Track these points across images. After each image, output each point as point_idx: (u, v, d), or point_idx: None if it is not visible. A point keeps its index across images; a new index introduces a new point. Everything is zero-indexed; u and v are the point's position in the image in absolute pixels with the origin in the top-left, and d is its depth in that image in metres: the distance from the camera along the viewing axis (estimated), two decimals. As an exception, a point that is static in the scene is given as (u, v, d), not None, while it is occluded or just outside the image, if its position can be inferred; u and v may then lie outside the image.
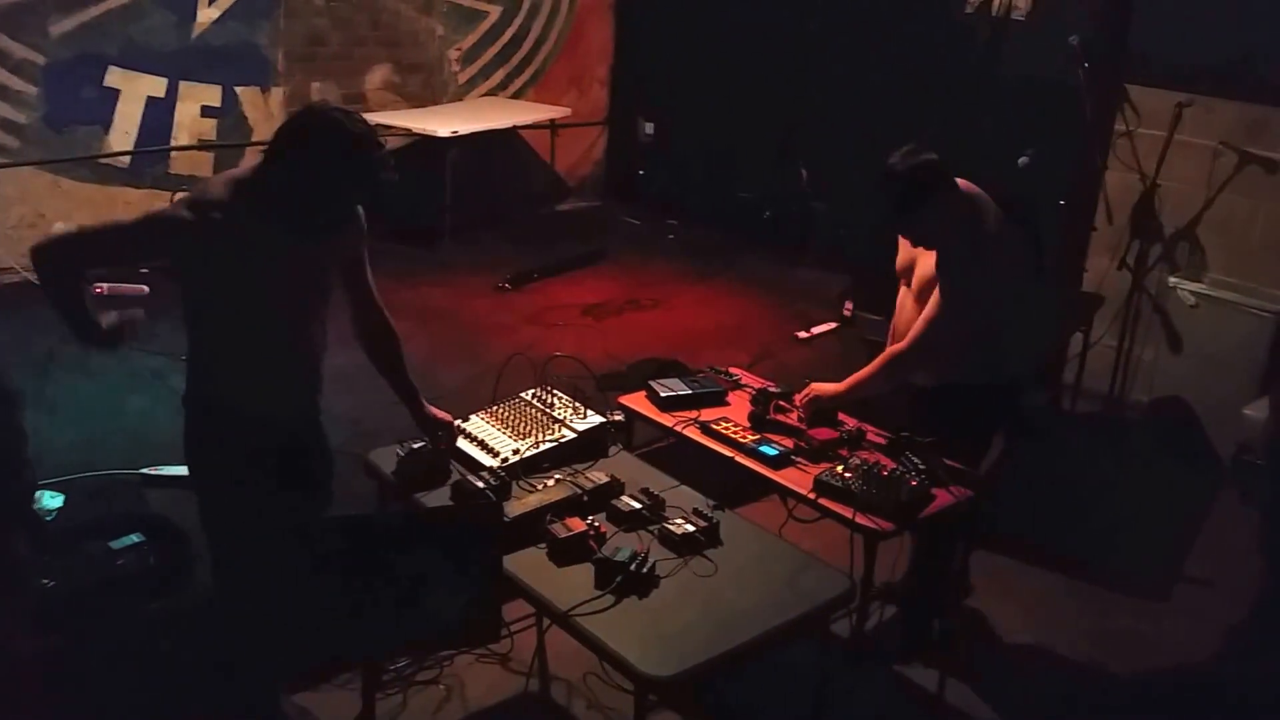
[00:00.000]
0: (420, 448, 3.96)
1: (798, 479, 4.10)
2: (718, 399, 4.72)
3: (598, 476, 3.86)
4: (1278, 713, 4.54)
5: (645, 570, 3.39)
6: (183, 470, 4.80)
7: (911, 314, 4.52)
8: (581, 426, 4.18)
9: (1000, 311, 4.40)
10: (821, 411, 4.48)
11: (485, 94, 9.47)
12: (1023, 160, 6.82)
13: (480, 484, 3.78)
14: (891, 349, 4.47)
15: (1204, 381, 6.63)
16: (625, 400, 4.77)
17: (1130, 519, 5.98)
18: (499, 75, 9.54)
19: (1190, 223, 6.83)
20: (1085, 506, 6.07)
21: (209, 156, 8.09)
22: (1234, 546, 5.58)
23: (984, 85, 7.58)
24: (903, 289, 4.65)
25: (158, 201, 7.73)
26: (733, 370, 5.04)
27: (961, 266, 4.30)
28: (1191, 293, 6.69)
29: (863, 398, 4.52)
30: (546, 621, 4.13)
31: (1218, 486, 6.27)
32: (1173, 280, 6.82)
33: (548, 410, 4.29)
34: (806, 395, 4.53)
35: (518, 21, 9.53)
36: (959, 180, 4.41)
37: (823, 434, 4.35)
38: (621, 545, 3.47)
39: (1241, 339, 6.39)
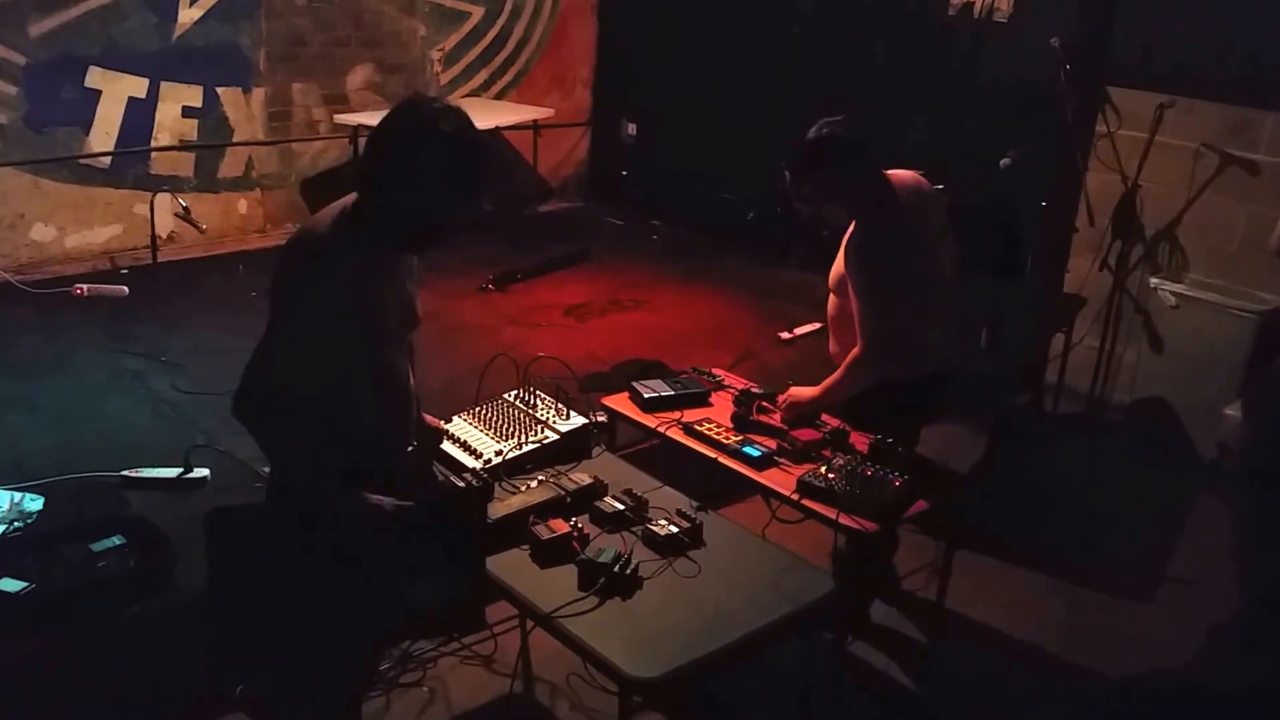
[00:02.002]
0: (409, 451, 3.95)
1: (781, 480, 4.10)
2: (701, 400, 4.72)
3: (581, 478, 3.85)
4: (1257, 711, 4.56)
5: (629, 571, 3.37)
6: (163, 472, 4.82)
7: (832, 309, 4.62)
8: (564, 428, 4.17)
9: (915, 302, 4.42)
10: (802, 415, 4.49)
11: (468, 95, 9.46)
12: (1004, 161, 6.83)
13: (462, 485, 3.76)
14: (851, 354, 4.47)
15: (1185, 382, 6.65)
16: (608, 401, 4.76)
17: (1111, 519, 6.01)
18: (481, 76, 9.54)
19: (1171, 223, 6.85)
20: (1067, 506, 6.09)
21: (190, 157, 8.08)
22: (1214, 546, 5.60)
23: (966, 87, 7.61)
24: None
25: (138, 202, 7.71)
26: (716, 371, 5.03)
27: (862, 254, 4.36)
28: (1172, 293, 6.71)
29: (836, 401, 4.53)
30: (530, 623, 4.13)
31: (1198, 486, 6.29)
32: (1154, 281, 6.84)
33: (530, 411, 4.28)
34: (786, 399, 4.54)
35: (500, 22, 9.53)
36: (896, 171, 4.51)
37: (806, 435, 4.35)
38: (605, 546, 3.46)
39: (1222, 339, 6.41)
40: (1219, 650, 4.90)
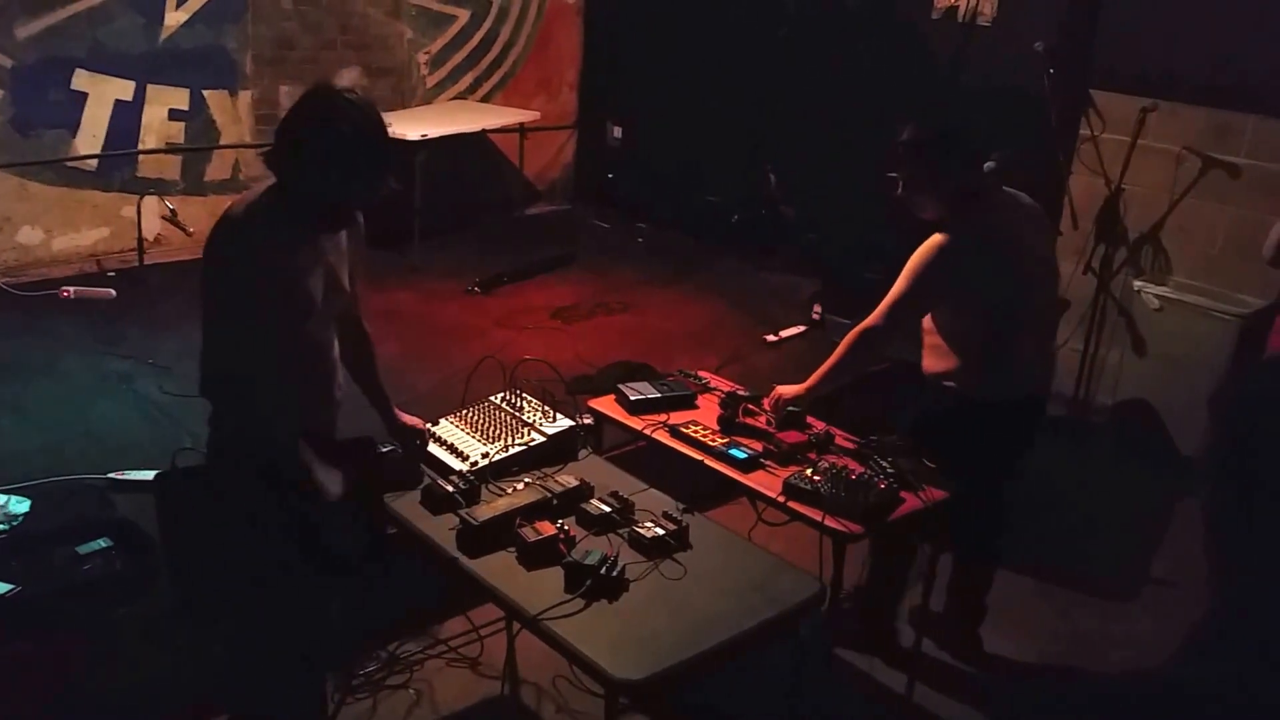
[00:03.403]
0: (389, 450, 3.96)
1: (767, 482, 4.11)
2: (687, 402, 4.73)
3: (567, 480, 3.87)
4: (1241, 711, 4.59)
5: (615, 574, 3.39)
6: (150, 475, 4.82)
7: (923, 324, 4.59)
8: (551, 430, 4.18)
9: (1007, 323, 4.41)
10: (791, 414, 4.50)
11: (454, 97, 9.47)
12: (989, 165, 6.83)
13: (449, 488, 3.78)
14: (860, 325, 4.45)
15: (1168, 384, 6.67)
16: (594, 403, 4.77)
17: (1095, 520, 6.03)
18: (468, 79, 9.54)
19: (1154, 227, 6.88)
20: (1051, 508, 6.10)
21: (177, 160, 8.07)
22: (1197, 548, 5.62)
23: (950, 90, 7.63)
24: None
25: (125, 205, 7.71)
26: (702, 374, 5.05)
27: (927, 254, 4.34)
28: (1156, 296, 6.74)
29: (832, 387, 4.53)
30: (516, 625, 4.15)
31: (1182, 488, 6.31)
32: (1137, 284, 6.87)
33: (517, 414, 4.29)
34: (773, 398, 4.56)
35: (486, 25, 9.53)
36: (1009, 189, 4.52)
37: (791, 437, 4.36)
38: (591, 549, 3.47)
39: (1205, 342, 6.44)
40: (1191, 649, 4.92)
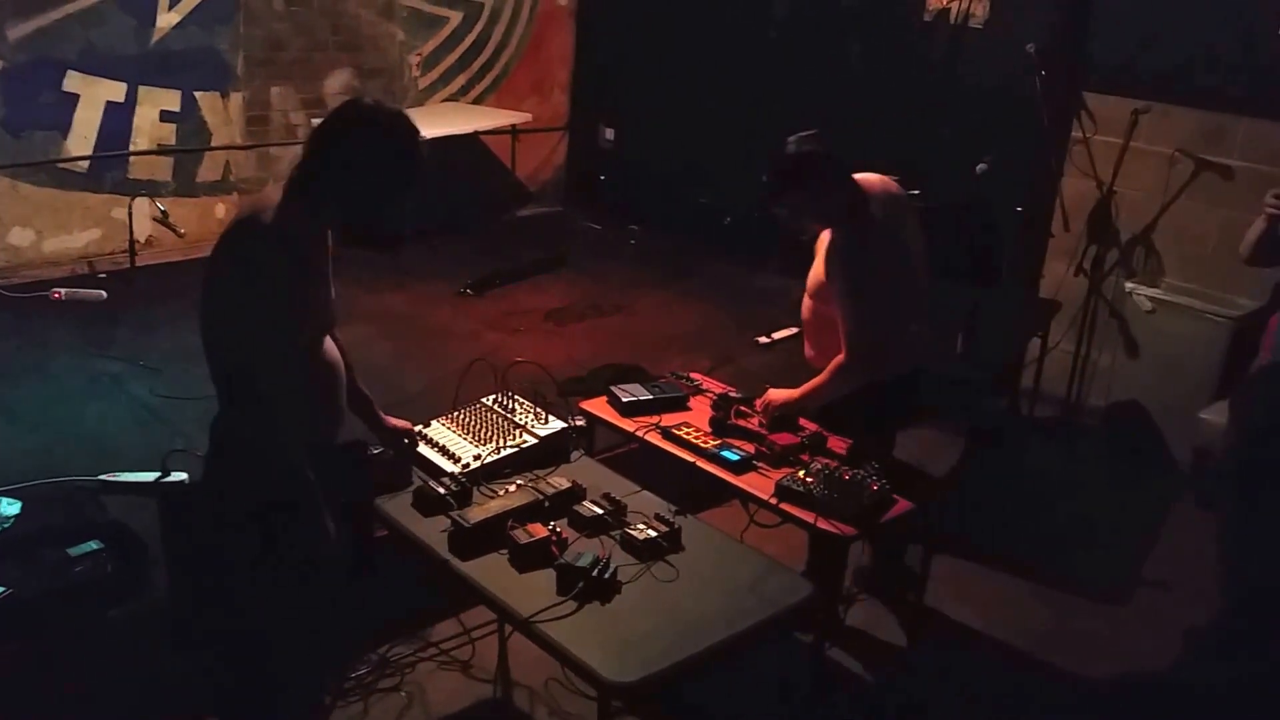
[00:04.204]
0: (379, 453, 3.96)
1: (759, 484, 4.12)
2: (679, 404, 4.73)
3: (559, 482, 3.87)
4: (1232, 713, 4.58)
5: (607, 576, 3.39)
6: (141, 476, 4.81)
7: (807, 313, 4.68)
8: (543, 432, 4.18)
9: (894, 305, 4.47)
10: (782, 417, 4.50)
11: (446, 99, 9.47)
12: (981, 167, 6.85)
13: (441, 490, 3.78)
14: (836, 360, 4.48)
15: (1160, 386, 6.68)
16: (587, 405, 4.77)
17: (1087, 522, 6.03)
18: (460, 80, 9.53)
19: (1146, 228, 6.88)
20: (1044, 510, 6.11)
21: (168, 161, 8.05)
22: (1190, 549, 5.63)
23: (942, 92, 7.63)
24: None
25: (116, 206, 7.69)
26: (694, 375, 5.05)
27: (842, 260, 4.41)
28: (1148, 298, 6.74)
29: (819, 404, 4.55)
30: (508, 628, 4.14)
31: (1174, 490, 6.32)
32: (1129, 286, 6.87)
33: (509, 416, 4.28)
34: (764, 401, 4.56)
35: (478, 27, 9.53)
36: (866, 175, 4.57)
37: (784, 439, 4.36)
38: (583, 551, 3.47)
39: (1197, 344, 6.44)
40: (1200, 651, 4.92)
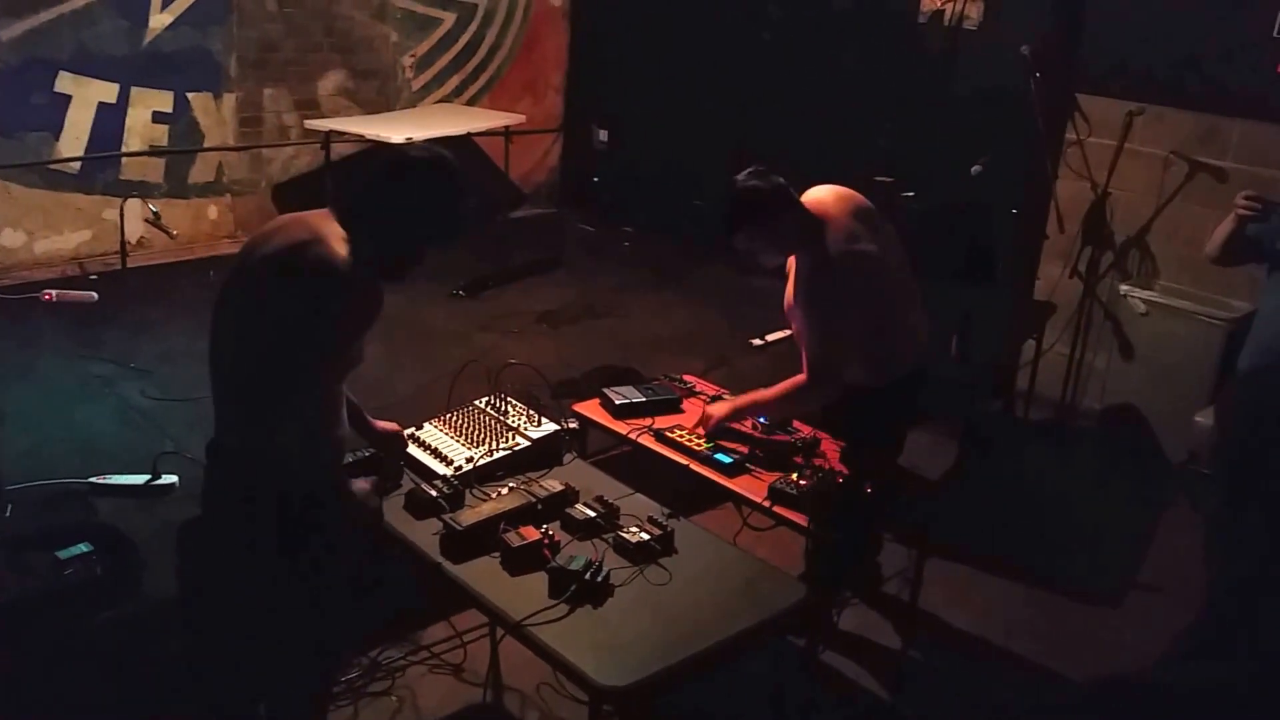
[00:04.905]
0: (370, 455, 3.95)
1: (752, 486, 4.11)
2: (672, 406, 4.72)
3: (552, 485, 3.85)
4: (1216, 713, 4.58)
5: (599, 579, 3.37)
6: (131, 479, 4.79)
7: (796, 333, 4.64)
8: (536, 434, 4.16)
9: (875, 316, 4.44)
10: (720, 426, 4.48)
11: (439, 100, 9.45)
12: (975, 169, 6.85)
13: (433, 492, 3.76)
14: (794, 379, 4.46)
15: (1155, 388, 6.68)
16: (579, 408, 4.76)
17: (1081, 524, 6.03)
18: (453, 82, 9.52)
19: (1141, 231, 6.88)
20: (1038, 513, 6.10)
21: (160, 163, 8.04)
22: (1184, 552, 5.61)
23: (937, 94, 7.63)
24: None
25: (108, 208, 7.67)
26: (687, 377, 5.04)
27: (801, 286, 4.43)
28: (1142, 300, 6.74)
29: (766, 415, 4.54)
30: (500, 631, 4.12)
31: (1169, 493, 6.31)
32: (1124, 288, 6.87)
33: (502, 418, 4.27)
34: (703, 418, 4.53)
35: (472, 28, 9.51)
36: (819, 191, 4.55)
37: (777, 441, 4.35)
38: (576, 554, 3.46)
39: (1192, 346, 6.44)
40: (1184, 651, 4.91)
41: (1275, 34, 6.23)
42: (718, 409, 4.51)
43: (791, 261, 4.57)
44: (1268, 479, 4.64)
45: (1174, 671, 4.85)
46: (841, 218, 4.46)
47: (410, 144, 3.53)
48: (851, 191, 4.62)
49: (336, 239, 3.28)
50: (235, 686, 3.68)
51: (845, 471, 4.11)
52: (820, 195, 4.53)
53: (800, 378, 4.42)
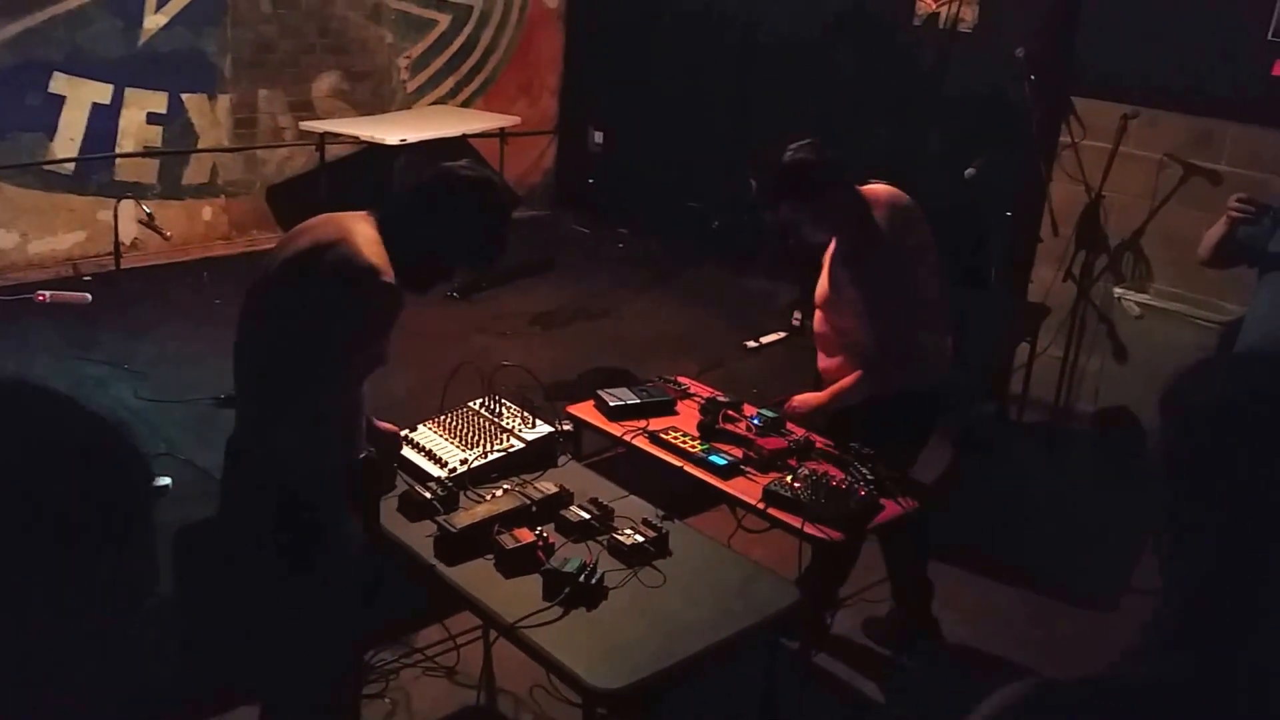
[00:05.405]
0: (365, 455, 3.94)
1: (747, 489, 4.10)
2: (666, 408, 4.71)
3: (546, 486, 3.85)
4: (1175, 709, 4.57)
5: (594, 581, 3.37)
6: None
7: (820, 326, 4.66)
8: (530, 436, 4.16)
9: (912, 317, 4.44)
10: (772, 420, 4.49)
11: (434, 102, 9.45)
12: (970, 171, 6.85)
13: (427, 494, 3.76)
14: (869, 364, 4.46)
15: (1149, 391, 6.52)
16: (574, 410, 4.75)
17: (1076, 528, 6.02)
18: (448, 83, 9.51)
19: (1135, 234, 6.89)
20: (1032, 516, 6.10)
21: (154, 164, 8.03)
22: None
23: (931, 97, 7.63)
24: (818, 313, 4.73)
25: (102, 209, 7.66)
26: (681, 379, 5.03)
27: (864, 265, 4.41)
28: (1136, 303, 6.75)
29: (843, 406, 4.55)
30: (493, 634, 4.11)
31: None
32: (1118, 291, 6.87)
33: (496, 420, 4.27)
34: (794, 406, 4.55)
35: (467, 30, 9.51)
36: (872, 186, 4.50)
37: (772, 444, 4.35)
38: (570, 556, 3.46)
39: (1186, 349, 6.43)
40: (1138, 647, 4.91)
41: (1270, 37, 6.25)
42: (811, 398, 4.55)
43: (829, 252, 4.56)
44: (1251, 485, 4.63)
45: (1133, 668, 4.85)
46: (890, 210, 4.46)
47: (462, 163, 3.59)
48: (903, 194, 4.61)
49: (366, 241, 3.32)
50: (234, 687, 3.68)
51: (848, 478, 4.09)
52: (874, 188, 4.52)
53: (871, 365, 4.44)
